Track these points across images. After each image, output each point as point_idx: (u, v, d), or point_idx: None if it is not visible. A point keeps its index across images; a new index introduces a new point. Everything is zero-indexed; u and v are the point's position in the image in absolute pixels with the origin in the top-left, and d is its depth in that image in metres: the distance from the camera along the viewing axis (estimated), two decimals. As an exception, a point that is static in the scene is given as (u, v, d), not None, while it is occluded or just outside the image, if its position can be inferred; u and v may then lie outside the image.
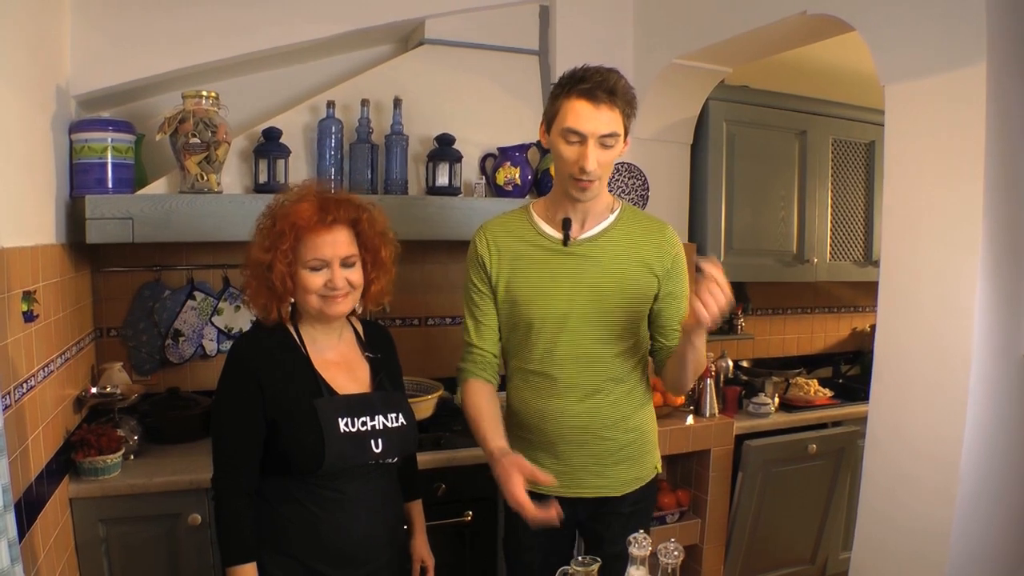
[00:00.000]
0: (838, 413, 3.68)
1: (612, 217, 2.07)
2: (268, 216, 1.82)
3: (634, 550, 1.63)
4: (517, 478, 1.80)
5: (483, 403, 2.05)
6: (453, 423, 2.95)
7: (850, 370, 4.50)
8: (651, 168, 3.38)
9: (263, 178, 2.73)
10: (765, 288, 4.20)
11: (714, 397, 3.35)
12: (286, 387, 1.80)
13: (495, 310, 2.11)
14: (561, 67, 3.17)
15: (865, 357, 4.52)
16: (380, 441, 1.83)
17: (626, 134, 1.96)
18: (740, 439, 3.35)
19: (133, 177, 2.67)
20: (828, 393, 3.82)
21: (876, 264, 4.07)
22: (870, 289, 4.57)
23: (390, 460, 1.87)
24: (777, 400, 3.61)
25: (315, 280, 1.78)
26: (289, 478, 1.81)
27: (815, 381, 3.90)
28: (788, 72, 3.93)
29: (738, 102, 3.61)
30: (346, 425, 1.79)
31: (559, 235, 2.03)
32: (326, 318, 1.84)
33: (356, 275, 1.84)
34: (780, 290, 4.28)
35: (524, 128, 3.17)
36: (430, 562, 2.14)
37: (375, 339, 2.03)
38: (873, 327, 4.61)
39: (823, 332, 4.58)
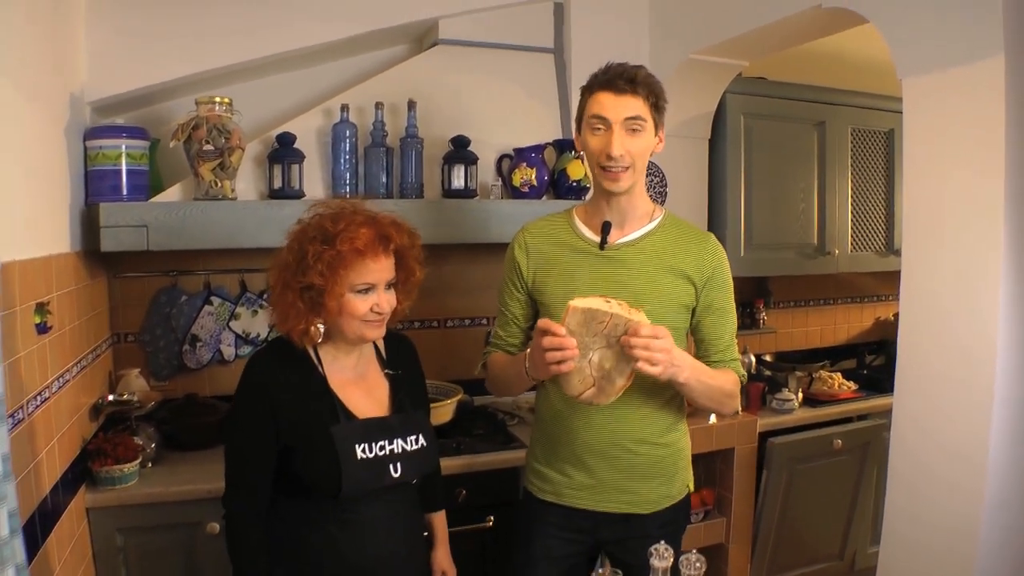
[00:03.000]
0: (863, 406, 3.58)
1: (652, 224, 1.99)
2: (319, 237, 1.69)
3: (655, 561, 1.56)
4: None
5: (508, 358, 2.06)
6: (473, 427, 2.88)
7: (875, 360, 4.38)
8: (669, 164, 3.29)
9: (277, 183, 2.66)
10: (786, 281, 4.09)
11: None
12: (301, 411, 1.73)
13: (526, 312, 2.08)
14: (577, 65, 3.12)
15: (890, 346, 4.39)
16: (399, 465, 1.77)
17: (657, 126, 1.91)
18: (764, 436, 3.27)
19: (147, 183, 2.61)
20: (852, 386, 3.72)
21: (898, 253, 3.95)
22: (893, 278, 4.41)
23: (410, 481, 1.82)
24: (801, 395, 3.51)
25: (362, 305, 1.71)
26: (305, 499, 1.75)
27: (839, 374, 3.80)
28: (804, 62, 3.80)
29: (755, 95, 3.50)
30: (363, 451, 1.73)
31: (597, 238, 1.96)
32: (362, 341, 1.78)
33: (393, 298, 1.78)
34: (801, 282, 4.17)
35: (540, 128, 3.09)
36: (452, 573, 2.08)
37: (397, 353, 1.95)
38: (897, 315, 4.56)
39: (846, 323, 4.47)
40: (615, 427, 1.96)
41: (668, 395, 2.00)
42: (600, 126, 1.86)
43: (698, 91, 3.28)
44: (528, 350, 1.84)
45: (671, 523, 2.06)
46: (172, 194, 2.64)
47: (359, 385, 1.83)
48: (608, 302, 1.69)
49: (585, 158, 1.98)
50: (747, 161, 3.50)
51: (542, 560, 2.07)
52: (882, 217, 3.94)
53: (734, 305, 2.04)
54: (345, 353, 1.82)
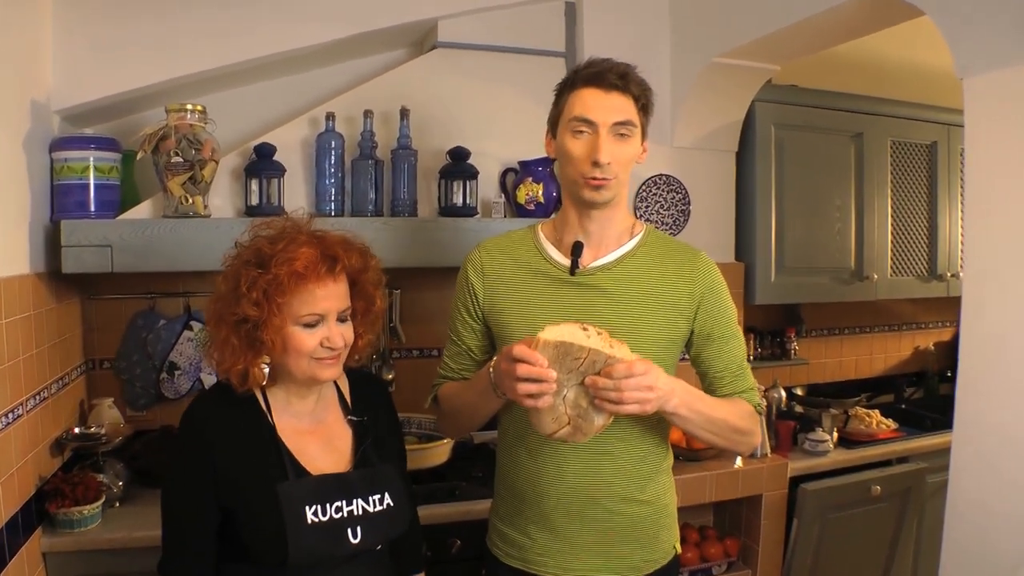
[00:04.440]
0: (904, 448, 3.22)
1: (632, 242, 1.69)
2: (253, 261, 1.44)
3: None
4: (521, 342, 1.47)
5: (462, 383, 1.78)
6: (471, 469, 2.58)
7: (914, 393, 4.03)
8: (692, 180, 2.97)
9: (255, 200, 2.38)
10: (818, 307, 3.73)
11: (766, 434, 2.92)
12: (244, 467, 1.46)
13: (481, 343, 1.78)
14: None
15: (930, 378, 4.07)
16: (358, 530, 1.49)
17: (643, 135, 1.63)
18: (795, 480, 2.92)
19: (119, 199, 2.35)
20: (892, 425, 3.35)
21: (941, 279, 3.71)
22: (932, 305, 4.20)
23: (373, 548, 1.54)
24: (836, 435, 3.16)
25: (309, 340, 1.44)
26: (250, 568, 1.47)
27: (877, 412, 3.44)
28: (839, 69, 3.48)
29: (787, 103, 3.17)
30: (315, 514, 1.44)
31: (566, 261, 1.66)
32: (314, 382, 1.51)
33: (350, 331, 1.51)
34: (835, 309, 3.81)
35: (549, 139, 2.78)
36: None
37: (364, 396, 1.67)
38: (937, 344, 4.23)
39: (883, 352, 4.10)
40: (587, 482, 1.65)
41: (652, 440, 1.69)
42: (584, 129, 1.57)
43: (724, 99, 2.95)
44: (490, 365, 1.55)
45: None
46: (141, 211, 2.38)
47: (316, 434, 1.55)
48: (585, 329, 1.43)
49: (557, 166, 1.69)
50: (778, 176, 3.17)
51: None
52: (924, 238, 3.60)
53: (738, 329, 1.74)
54: (299, 397, 1.54)
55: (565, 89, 1.63)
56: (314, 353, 1.45)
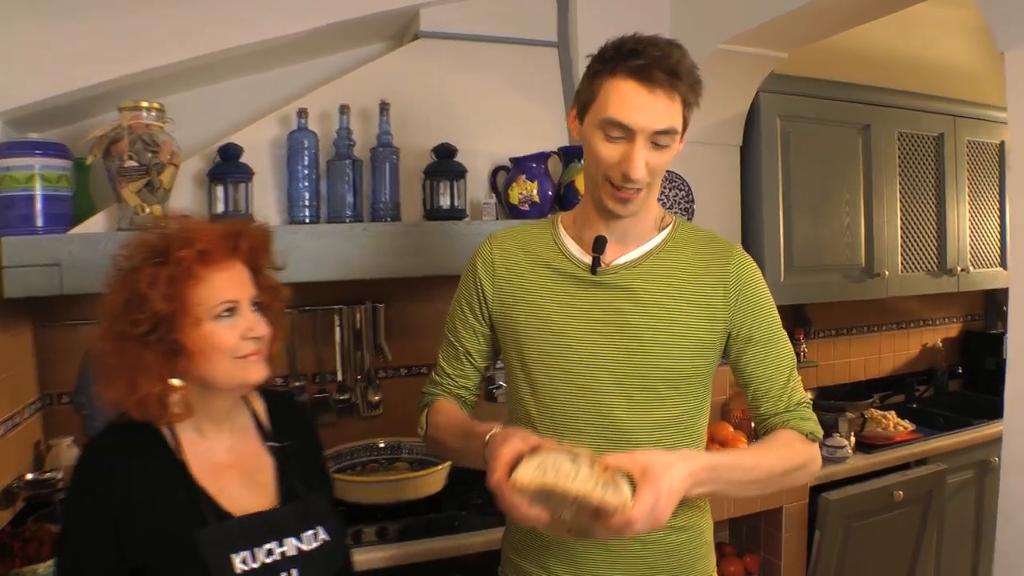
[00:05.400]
0: (923, 449, 3.01)
1: (660, 237, 1.44)
2: (149, 257, 1.21)
3: None
4: (516, 440, 1.21)
5: (462, 411, 1.54)
6: (471, 496, 2.30)
7: (924, 392, 3.82)
8: (695, 175, 2.72)
9: (220, 207, 2.10)
10: (825, 307, 3.51)
11: (781, 443, 2.68)
12: (155, 518, 1.20)
13: (483, 348, 1.55)
14: (585, 60, 2.53)
15: (939, 376, 3.86)
16: (296, 572, 1.26)
17: (684, 130, 1.35)
18: (814, 490, 2.69)
19: (70, 212, 2.07)
20: (909, 426, 3.14)
21: (951, 273, 3.50)
22: (941, 301, 3.99)
23: None
24: (853, 439, 2.93)
25: (229, 334, 1.24)
26: None
27: (893, 413, 3.23)
28: (844, 62, 3.25)
29: (793, 94, 2.93)
30: (244, 562, 1.21)
31: (587, 259, 1.41)
32: (243, 388, 1.29)
33: (265, 323, 1.30)
34: (843, 308, 3.60)
35: (542, 134, 2.51)
36: None
37: (282, 419, 1.42)
38: (945, 341, 4.02)
39: (892, 351, 3.88)
40: None
41: None
42: (618, 134, 1.29)
43: (729, 89, 2.70)
44: (488, 438, 1.29)
45: None
46: (94, 224, 2.09)
47: (235, 469, 1.31)
48: (575, 458, 1.14)
49: (584, 158, 1.41)
50: (785, 171, 2.92)
51: None
52: (934, 233, 3.39)
53: (783, 332, 1.47)
54: (212, 424, 1.30)
55: (604, 71, 1.31)
56: (237, 350, 1.23)
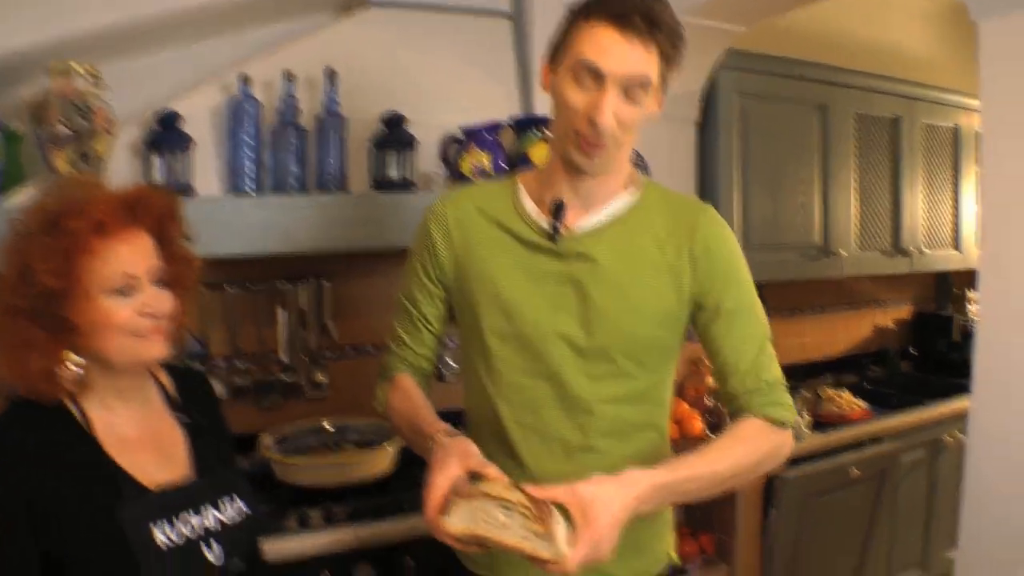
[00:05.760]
0: (878, 427, 3.01)
1: (627, 201, 1.36)
2: (40, 228, 1.13)
3: None
4: (452, 465, 1.16)
5: (419, 394, 1.44)
6: (422, 476, 2.21)
7: (876, 373, 3.82)
8: (651, 152, 2.64)
9: (158, 177, 1.99)
10: (781, 287, 3.47)
11: (737, 422, 2.65)
12: (69, 499, 1.12)
13: (442, 313, 1.46)
14: (540, 32, 2.43)
15: (891, 357, 3.88)
16: (217, 545, 1.21)
17: (664, 88, 1.28)
18: (770, 469, 2.66)
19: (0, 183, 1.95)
20: (863, 405, 3.13)
21: (905, 254, 3.50)
22: (894, 282, 3.99)
23: (233, 568, 1.25)
24: (808, 417, 2.91)
25: (123, 309, 1.14)
26: None
27: (847, 392, 3.22)
28: (804, 40, 3.25)
29: (752, 71, 2.89)
30: (165, 536, 1.14)
31: (547, 223, 1.33)
32: (138, 365, 1.21)
33: (169, 298, 1.21)
34: (797, 288, 3.57)
35: (494, 105, 2.43)
36: None
37: (189, 393, 1.36)
38: (897, 322, 4.03)
39: (845, 332, 3.87)
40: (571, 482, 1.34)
41: (647, 437, 1.39)
42: (589, 80, 1.22)
43: (686, 64, 2.62)
44: (440, 438, 1.24)
45: None
46: (23, 195, 1.95)
47: (147, 443, 1.24)
48: (507, 506, 1.07)
49: (552, 107, 1.33)
50: (743, 149, 2.88)
51: None
52: (888, 213, 3.39)
53: (757, 303, 1.37)
54: (121, 400, 1.23)
55: (579, 15, 1.25)
56: (131, 325, 1.15)
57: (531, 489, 1.08)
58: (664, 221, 1.34)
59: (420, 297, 1.44)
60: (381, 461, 2.13)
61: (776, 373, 1.36)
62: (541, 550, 1.04)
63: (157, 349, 1.19)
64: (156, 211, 1.20)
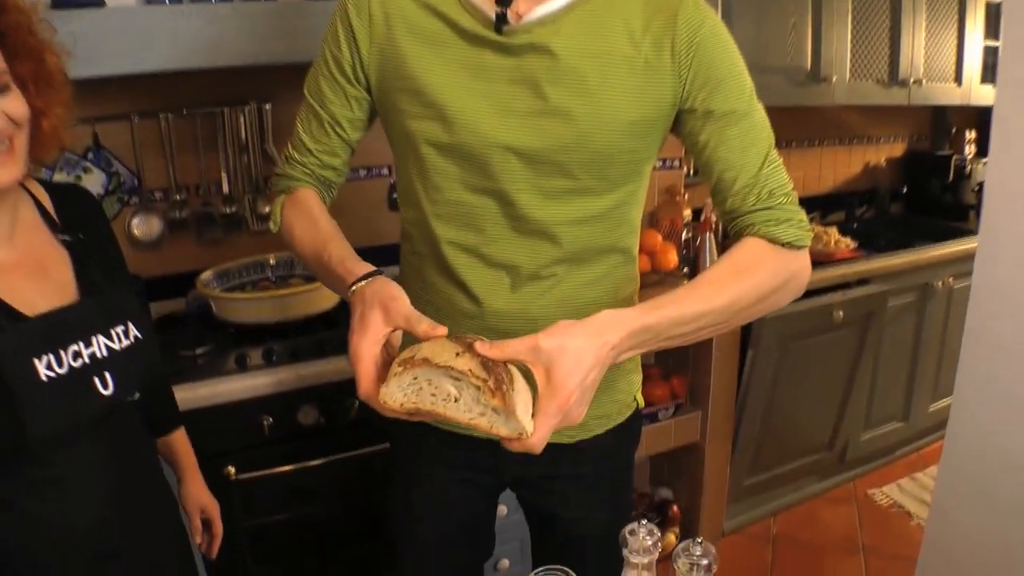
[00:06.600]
0: (866, 268, 2.82)
1: None
2: None
3: (635, 557, 0.91)
4: (377, 321, 0.94)
5: (326, 219, 1.19)
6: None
7: (865, 212, 3.62)
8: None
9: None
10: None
11: (715, 256, 2.46)
12: None
13: (353, 116, 1.20)
14: None
15: (881, 197, 3.68)
16: (109, 375, 1.08)
17: None
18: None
19: None
20: (851, 243, 2.95)
21: (903, 85, 3.23)
22: (886, 116, 3.70)
23: (128, 398, 1.14)
24: (791, 255, 2.73)
25: None
26: None
27: (834, 229, 3.03)
28: None
29: None
30: (49, 366, 1.00)
31: (492, 11, 1.06)
32: None
33: (18, 104, 1.00)
34: (782, 118, 3.27)
35: None
36: (213, 509, 1.50)
37: (72, 212, 1.20)
38: (888, 161, 3.79)
39: (832, 168, 3.63)
40: (521, 313, 1.16)
41: (611, 260, 1.19)
42: None
43: None
44: (356, 281, 1.02)
45: (613, 455, 1.31)
46: None
47: (23, 267, 1.09)
48: (458, 357, 0.87)
49: None
50: (725, -41, 2.56)
51: (428, 512, 1.34)
52: (886, 41, 3.08)
53: (756, 104, 1.12)
54: None
55: None
56: None
57: (483, 347, 0.88)
58: (638, 7, 1.07)
59: (332, 97, 1.19)
60: (327, 296, 1.97)
61: (785, 184, 1.11)
62: (499, 426, 0.86)
63: (5, 175, 0.99)
64: None
